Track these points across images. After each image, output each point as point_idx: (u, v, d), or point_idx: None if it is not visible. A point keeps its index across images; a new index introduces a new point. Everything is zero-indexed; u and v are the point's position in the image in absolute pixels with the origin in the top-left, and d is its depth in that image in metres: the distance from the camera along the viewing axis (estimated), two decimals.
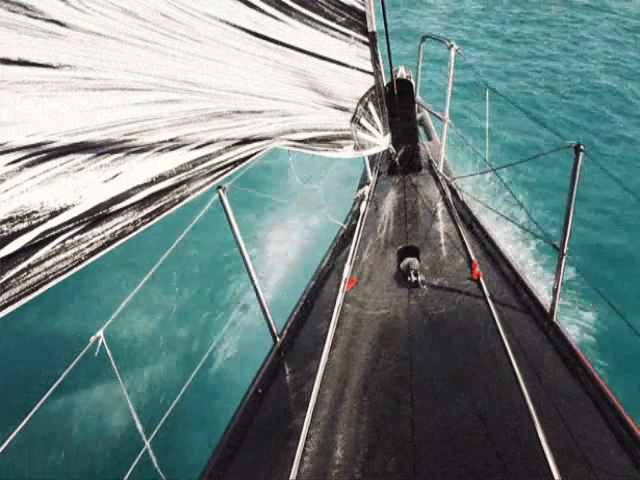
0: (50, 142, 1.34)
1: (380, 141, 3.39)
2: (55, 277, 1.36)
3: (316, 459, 2.02)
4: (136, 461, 1.87)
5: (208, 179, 1.89)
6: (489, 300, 2.64)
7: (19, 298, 1.27)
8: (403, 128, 3.77)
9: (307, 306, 2.94)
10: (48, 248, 1.34)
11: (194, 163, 1.82)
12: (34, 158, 1.30)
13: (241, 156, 2.05)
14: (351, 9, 2.66)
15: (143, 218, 1.63)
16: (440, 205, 3.61)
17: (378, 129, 3.34)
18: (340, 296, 2.85)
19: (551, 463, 1.80)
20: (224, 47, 1.97)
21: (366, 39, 2.84)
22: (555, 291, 2.45)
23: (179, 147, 1.75)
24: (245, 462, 2.14)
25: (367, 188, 3.89)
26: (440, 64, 9.20)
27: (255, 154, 2.13)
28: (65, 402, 4.68)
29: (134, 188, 1.59)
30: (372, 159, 4.25)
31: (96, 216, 1.47)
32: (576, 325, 4.95)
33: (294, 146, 2.43)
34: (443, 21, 14.24)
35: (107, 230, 1.51)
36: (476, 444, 1.95)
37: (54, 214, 1.35)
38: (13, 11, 1.24)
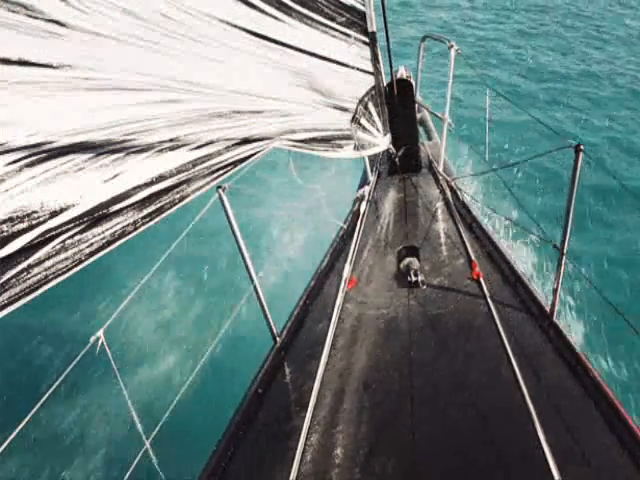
0: (50, 142, 1.34)
1: (380, 141, 3.39)
2: (55, 277, 1.36)
3: (316, 459, 2.02)
4: (136, 461, 1.87)
5: (208, 179, 1.89)
6: (489, 300, 2.64)
7: (19, 298, 1.27)
8: (403, 128, 3.77)
9: (307, 306, 2.94)
10: (48, 248, 1.34)
11: (194, 163, 1.82)
12: (34, 158, 1.30)
13: (241, 156, 2.05)
14: (351, 9, 2.66)
15: (143, 218, 1.63)
16: (440, 205, 3.61)
17: (378, 129, 3.34)
18: (340, 296, 2.85)
19: (551, 463, 1.80)
20: (224, 47, 1.96)
21: (366, 39, 2.85)
22: (555, 291, 2.45)
23: (179, 147, 1.75)
24: (245, 462, 2.14)
25: (367, 188, 3.89)
26: (440, 64, 9.18)
27: (255, 154, 2.13)
28: (65, 402, 4.68)
29: (134, 188, 1.59)
30: (372, 159, 4.24)
31: (96, 216, 1.47)
32: (576, 325, 4.95)
33: (294, 146, 2.43)
34: (443, 21, 14.24)
35: (107, 230, 1.51)
36: (476, 444, 1.95)
37: (54, 214, 1.35)
38: (13, 11, 1.24)
